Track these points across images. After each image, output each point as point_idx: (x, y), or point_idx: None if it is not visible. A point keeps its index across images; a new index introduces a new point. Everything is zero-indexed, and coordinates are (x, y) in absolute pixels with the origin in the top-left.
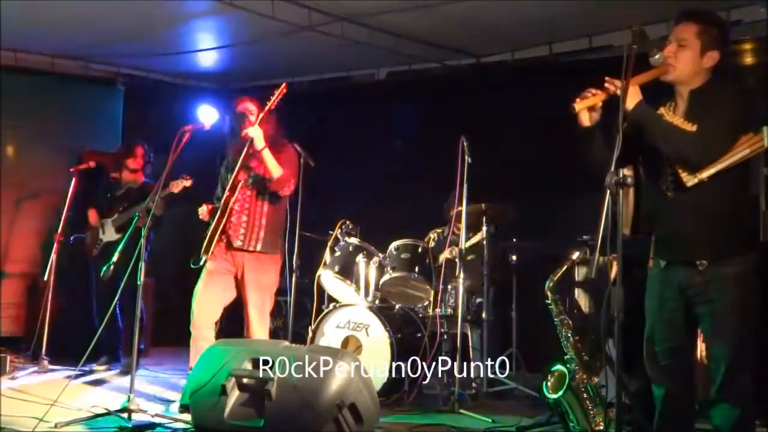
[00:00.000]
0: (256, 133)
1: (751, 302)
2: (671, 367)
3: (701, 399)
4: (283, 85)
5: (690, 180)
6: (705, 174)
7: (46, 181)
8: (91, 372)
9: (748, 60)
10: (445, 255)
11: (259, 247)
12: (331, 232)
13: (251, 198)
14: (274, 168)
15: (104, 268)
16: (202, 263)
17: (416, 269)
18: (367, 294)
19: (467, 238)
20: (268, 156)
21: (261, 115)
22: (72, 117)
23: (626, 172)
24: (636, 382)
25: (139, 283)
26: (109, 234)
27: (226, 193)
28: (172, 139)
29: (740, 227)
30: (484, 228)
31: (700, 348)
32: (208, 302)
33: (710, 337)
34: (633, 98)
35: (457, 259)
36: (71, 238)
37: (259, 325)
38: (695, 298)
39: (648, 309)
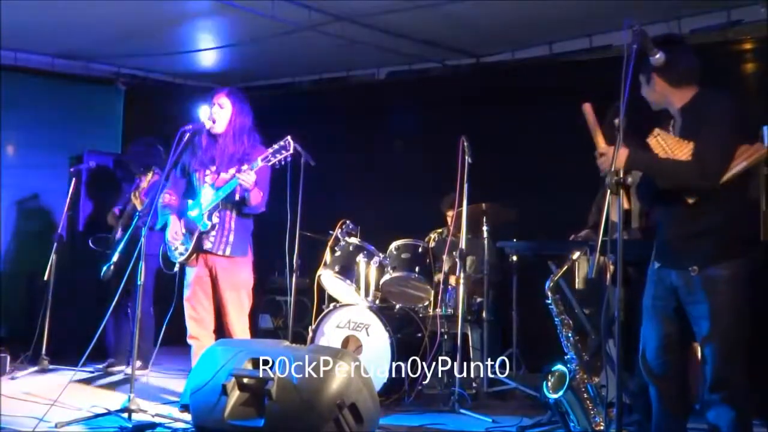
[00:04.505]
0: (249, 179)
1: (741, 304)
2: (662, 366)
3: (701, 399)
4: (288, 138)
5: (690, 196)
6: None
7: (46, 181)
8: (94, 372)
9: (748, 60)
10: (441, 275)
11: (228, 251)
12: (331, 232)
13: (220, 202)
14: (255, 198)
15: (104, 269)
16: (176, 269)
17: (417, 269)
18: (367, 294)
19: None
20: (253, 193)
21: (259, 164)
22: (72, 117)
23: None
24: (635, 381)
25: (138, 283)
26: (118, 235)
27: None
28: (172, 138)
29: (733, 234)
30: (484, 228)
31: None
32: (201, 312)
33: (700, 337)
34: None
35: (457, 260)
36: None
37: (238, 324)
38: (685, 298)
39: (644, 308)
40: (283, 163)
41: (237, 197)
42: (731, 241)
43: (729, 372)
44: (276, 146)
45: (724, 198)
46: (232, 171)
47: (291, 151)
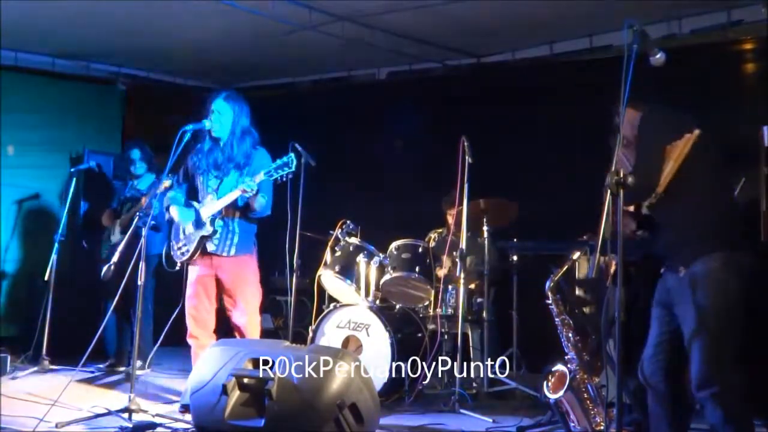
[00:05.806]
0: (251, 190)
1: (728, 301)
2: (655, 366)
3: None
4: (291, 155)
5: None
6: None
7: (46, 181)
8: (95, 372)
9: (748, 60)
10: (443, 271)
11: (233, 252)
12: (331, 232)
13: (223, 209)
14: (258, 203)
15: (104, 269)
16: (177, 267)
17: (417, 269)
18: (367, 294)
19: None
20: (256, 199)
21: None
22: (72, 117)
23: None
24: (634, 380)
25: (139, 283)
26: (116, 236)
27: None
28: (172, 139)
29: (710, 229)
30: (485, 228)
31: None
32: (201, 311)
33: (685, 333)
34: None
35: (457, 260)
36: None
37: (251, 320)
38: (675, 299)
39: (652, 314)
40: (285, 179)
41: (240, 203)
42: (708, 236)
43: (715, 370)
44: (280, 162)
45: (687, 197)
46: (234, 174)
47: (293, 169)
